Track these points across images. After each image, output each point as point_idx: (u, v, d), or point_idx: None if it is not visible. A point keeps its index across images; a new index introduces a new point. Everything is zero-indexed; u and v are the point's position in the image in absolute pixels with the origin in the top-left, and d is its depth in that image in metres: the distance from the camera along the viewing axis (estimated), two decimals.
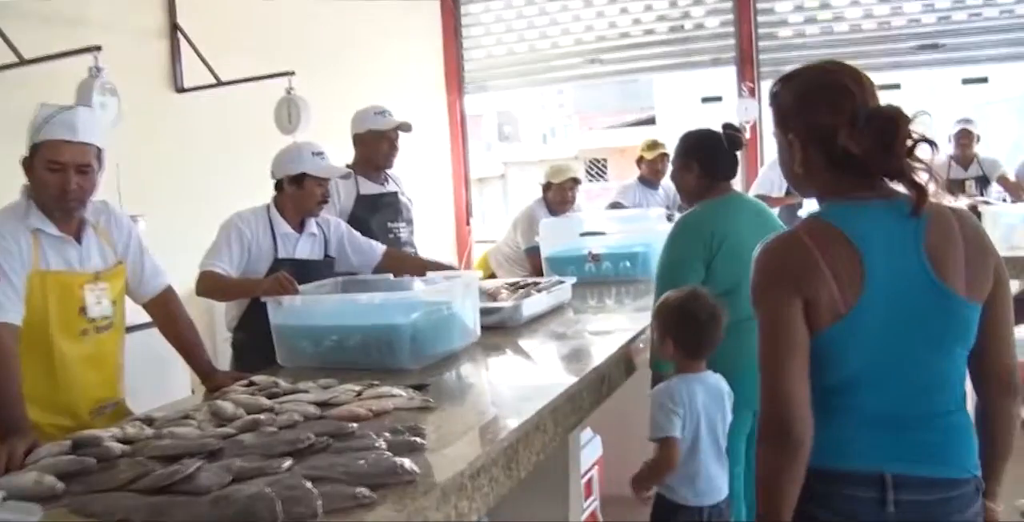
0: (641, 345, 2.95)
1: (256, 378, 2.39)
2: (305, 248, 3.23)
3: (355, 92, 5.16)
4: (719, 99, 7.46)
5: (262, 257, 3.10)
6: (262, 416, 1.95)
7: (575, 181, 5.07)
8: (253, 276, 3.03)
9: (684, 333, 2.36)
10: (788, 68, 1.67)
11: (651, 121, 20.62)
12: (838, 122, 1.51)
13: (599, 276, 4.45)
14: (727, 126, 2.87)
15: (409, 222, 3.91)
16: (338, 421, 1.89)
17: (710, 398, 2.36)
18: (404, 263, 3.47)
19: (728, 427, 2.42)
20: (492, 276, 4.86)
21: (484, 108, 20.71)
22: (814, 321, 1.49)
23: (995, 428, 1.59)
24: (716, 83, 7.35)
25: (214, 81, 4.63)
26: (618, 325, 3.30)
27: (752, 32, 6.58)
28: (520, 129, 24.80)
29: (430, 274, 3.13)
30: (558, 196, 5.04)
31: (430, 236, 5.83)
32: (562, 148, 21.67)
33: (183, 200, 4.47)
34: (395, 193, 3.89)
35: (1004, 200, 6.02)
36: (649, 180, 5.75)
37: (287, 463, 1.61)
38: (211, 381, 2.52)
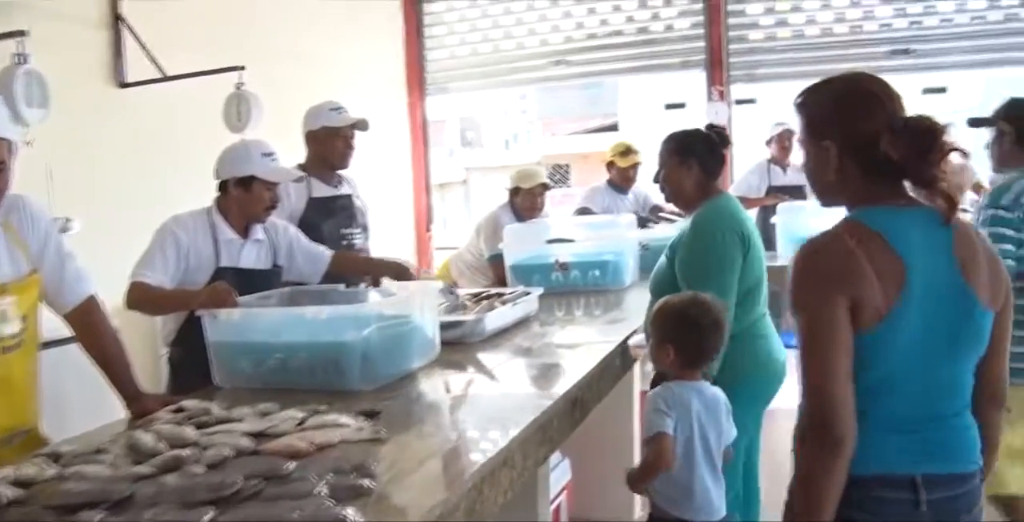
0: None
1: (186, 403, 2.11)
2: (251, 256, 2.96)
3: (310, 91, 4.86)
4: (683, 106, 7.34)
5: (202, 266, 2.83)
6: (186, 452, 1.69)
7: (545, 186, 4.85)
8: (192, 287, 2.75)
9: (685, 340, 2.21)
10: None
11: (614, 127, 20.57)
12: (878, 128, 1.53)
13: (567, 286, 4.25)
14: (711, 126, 2.77)
15: (364, 228, 3.67)
16: (274, 458, 1.64)
17: (704, 408, 2.21)
18: (347, 264, 3.24)
19: (724, 442, 2.25)
20: (454, 285, 4.63)
21: (447, 113, 20.52)
22: (856, 322, 1.49)
23: (981, 434, 1.62)
24: (680, 89, 7.22)
25: (160, 75, 4.34)
26: (588, 338, 3.11)
27: (722, 35, 6.41)
28: (483, 134, 24.59)
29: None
30: (527, 202, 4.80)
31: (389, 242, 5.60)
32: (525, 154, 21.51)
33: (124, 204, 4.16)
34: (349, 196, 3.65)
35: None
36: (619, 185, 5.55)
37: (208, 516, 1.35)
38: (137, 405, 2.24)
